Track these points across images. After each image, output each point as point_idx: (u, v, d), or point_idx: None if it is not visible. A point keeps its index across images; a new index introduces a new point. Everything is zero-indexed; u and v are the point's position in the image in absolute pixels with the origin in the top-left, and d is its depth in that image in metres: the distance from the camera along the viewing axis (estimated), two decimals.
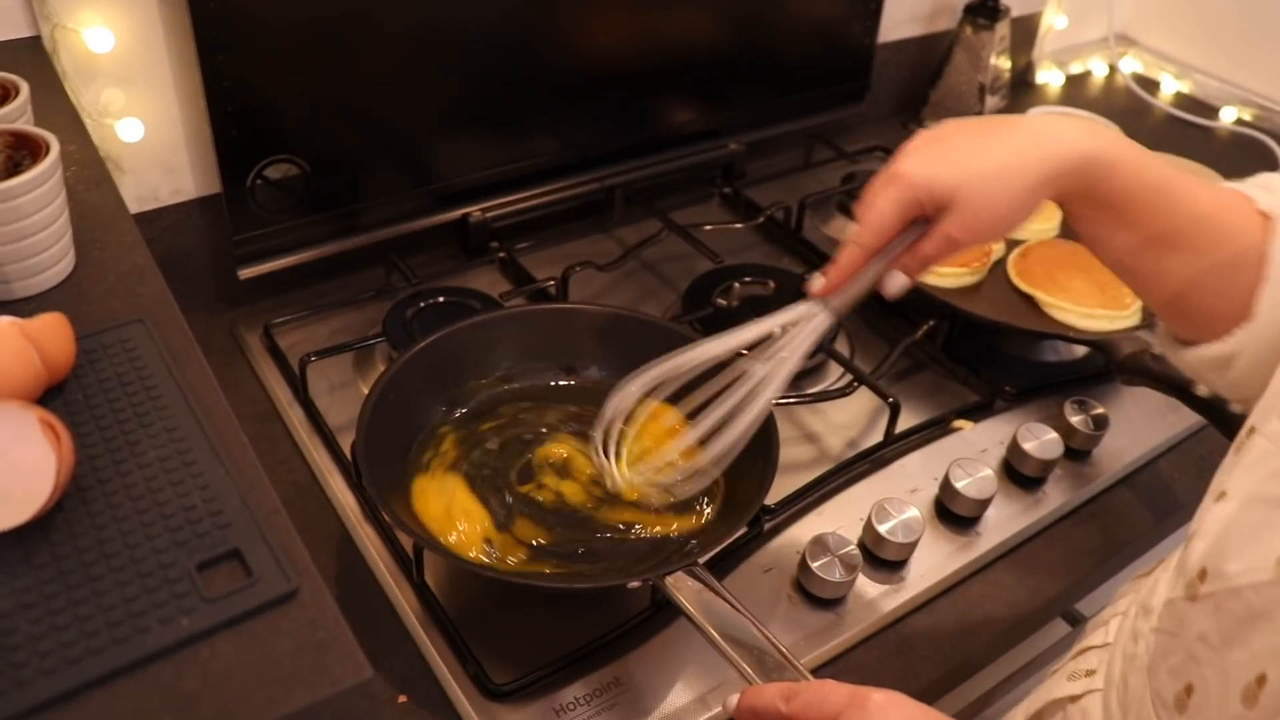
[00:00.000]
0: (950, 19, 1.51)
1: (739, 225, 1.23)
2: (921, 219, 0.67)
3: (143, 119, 0.94)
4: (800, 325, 0.70)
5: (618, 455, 0.77)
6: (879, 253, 0.68)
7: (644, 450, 0.80)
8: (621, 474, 0.77)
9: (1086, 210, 0.68)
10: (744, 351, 0.71)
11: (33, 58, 0.86)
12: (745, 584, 0.82)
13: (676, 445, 0.76)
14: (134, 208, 0.98)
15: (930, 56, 1.54)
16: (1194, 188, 0.65)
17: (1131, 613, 0.71)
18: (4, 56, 0.85)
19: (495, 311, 0.90)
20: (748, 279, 1.09)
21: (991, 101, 1.51)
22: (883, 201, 0.66)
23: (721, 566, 0.82)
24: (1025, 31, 1.69)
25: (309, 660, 0.47)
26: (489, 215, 1.15)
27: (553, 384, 0.91)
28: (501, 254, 1.15)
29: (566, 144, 1.20)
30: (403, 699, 0.72)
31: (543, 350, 0.91)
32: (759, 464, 0.77)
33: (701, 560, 0.70)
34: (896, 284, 0.69)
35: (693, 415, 0.73)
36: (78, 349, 0.60)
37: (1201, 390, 0.89)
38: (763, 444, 0.77)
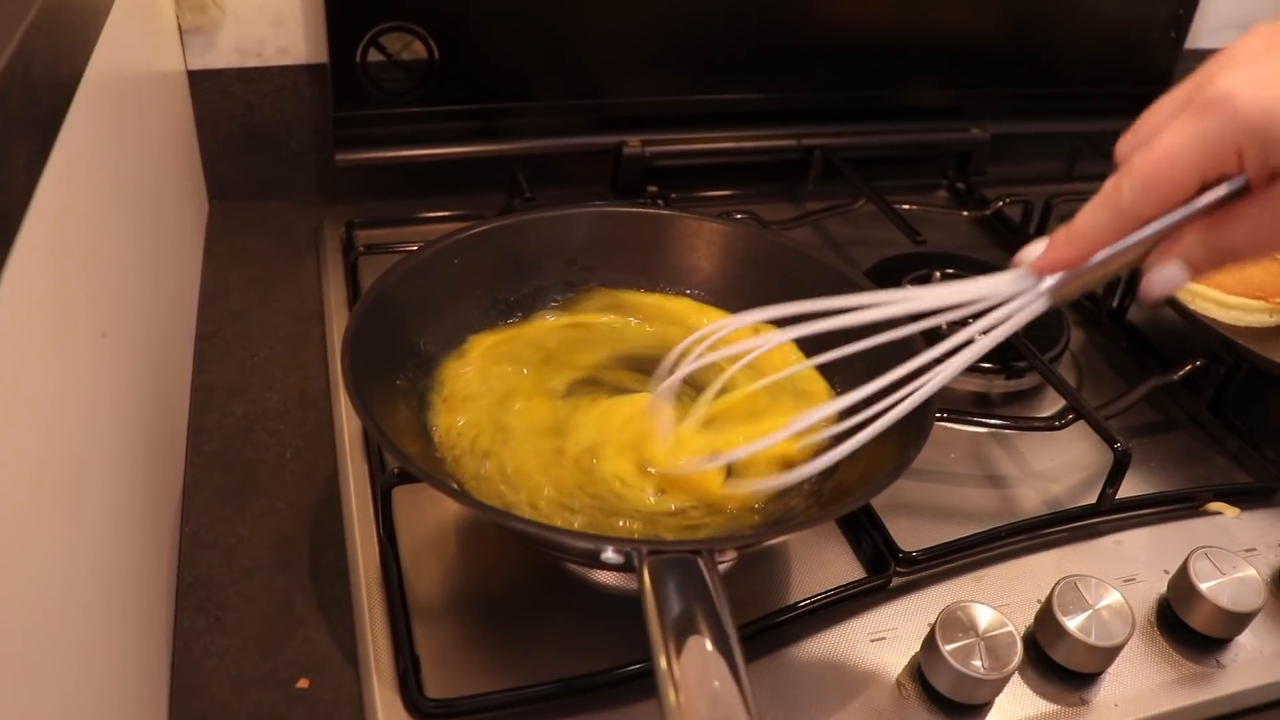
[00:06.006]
0: None
1: (963, 213, 0.97)
2: (1232, 180, 0.40)
3: None
4: (996, 307, 0.47)
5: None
6: (1147, 221, 0.42)
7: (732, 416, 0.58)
8: (686, 441, 0.55)
9: None
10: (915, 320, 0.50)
11: None
12: (839, 653, 0.56)
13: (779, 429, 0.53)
14: (231, 60, 0.84)
15: None
16: None
17: None
18: None
19: (576, 208, 0.68)
20: (950, 270, 0.83)
21: None
22: (1180, 139, 0.39)
23: (813, 620, 0.57)
24: None
25: None
26: (650, 151, 0.94)
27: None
28: (659, 200, 0.94)
29: (766, 87, 0.98)
30: (303, 683, 0.51)
31: (634, 265, 0.69)
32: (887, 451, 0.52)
33: (722, 556, 0.45)
34: (1165, 280, 0.42)
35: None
36: None
37: None
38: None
